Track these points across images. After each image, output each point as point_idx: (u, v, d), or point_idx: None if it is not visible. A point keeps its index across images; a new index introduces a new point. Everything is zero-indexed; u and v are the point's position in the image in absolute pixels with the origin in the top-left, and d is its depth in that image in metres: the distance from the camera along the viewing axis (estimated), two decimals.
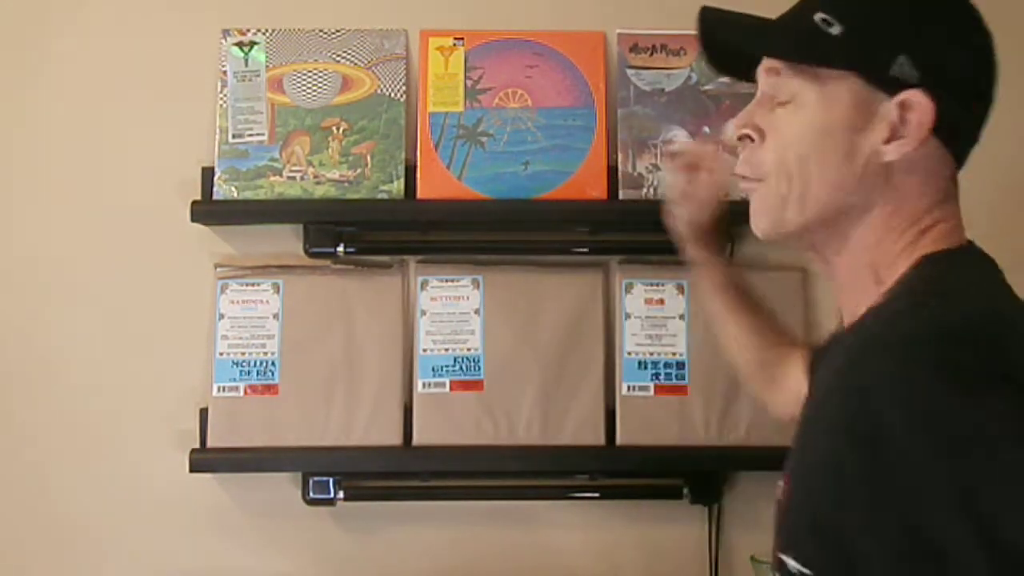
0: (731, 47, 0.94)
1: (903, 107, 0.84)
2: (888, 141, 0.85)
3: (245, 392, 1.59)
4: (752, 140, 0.91)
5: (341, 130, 1.62)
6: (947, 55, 0.86)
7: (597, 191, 1.61)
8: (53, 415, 1.62)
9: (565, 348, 1.61)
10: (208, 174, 1.60)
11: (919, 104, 0.84)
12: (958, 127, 0.87)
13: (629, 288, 1.63)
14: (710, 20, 0.92)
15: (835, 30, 0.85)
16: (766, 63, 0.91)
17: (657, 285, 1.63)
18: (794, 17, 0.89)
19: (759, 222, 0.93)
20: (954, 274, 0.85)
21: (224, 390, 1.59)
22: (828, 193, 0.87)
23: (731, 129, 0.94)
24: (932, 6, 0.88)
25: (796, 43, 0.87)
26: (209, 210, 1.59)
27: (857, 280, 0.90)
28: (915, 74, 0.84)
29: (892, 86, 0.84)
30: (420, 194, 1.61)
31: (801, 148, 0.87)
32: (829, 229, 0.89)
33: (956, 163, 0.88)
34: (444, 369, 1.60)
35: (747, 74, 0.96)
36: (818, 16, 0.86)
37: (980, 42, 0.88)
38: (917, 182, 0.87)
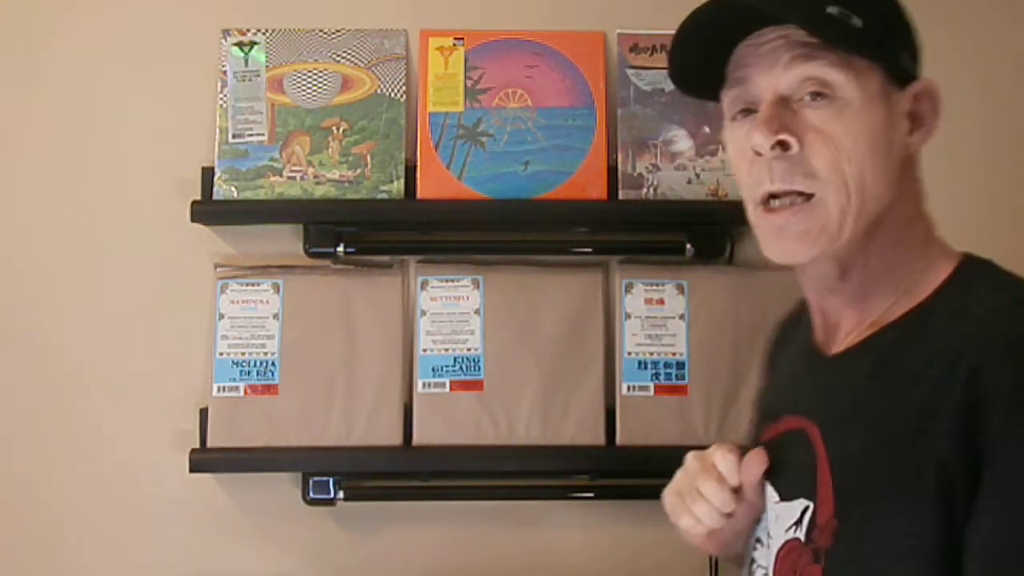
0: (742, 24, 0.85)
1: (915, 98, 0.85)
2: (911, 132, 0.85)
3: (245, 392, 1.59)
4: (789, 148, 0.82)
5: (341, 130, 1.62)
6: (919, 50, 0.89)
7: (597, 191, 1.61)
8: (52, 415, 1.62)
9: (565, 348, 1.61)
10: (208, 174, 1.60)
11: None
12: None
13: (629, 288, 1.63)
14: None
15: (856, 22, 0.81)
16: (799, 61, 0.82)
17: (657, 285, 1.63)
18: (807, 5, 0.82)
19: (810, 245, 0.84)
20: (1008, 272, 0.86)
21: (224, 390, 1.59)
22: (878, 196, 0.83)
23: (758, 138, 0.83)
24: (905, 6, 0.89)
25: (839, 31, 0.81)
26: (209, 210, 1.59)
27: (875, 286, 0.87)
28: (912, 67, 0.87)
29: (903, 79, 0.85)
30: (420, 194, 1.61)
31: (856, 151, 0.82)
32: (864, 236, 0.84)
33: None
34: (444, 369, 1.60)
35: (700, 90, 0.93)
36: (833, 8, 0.81)
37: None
38: (918, 174, 0.88)
